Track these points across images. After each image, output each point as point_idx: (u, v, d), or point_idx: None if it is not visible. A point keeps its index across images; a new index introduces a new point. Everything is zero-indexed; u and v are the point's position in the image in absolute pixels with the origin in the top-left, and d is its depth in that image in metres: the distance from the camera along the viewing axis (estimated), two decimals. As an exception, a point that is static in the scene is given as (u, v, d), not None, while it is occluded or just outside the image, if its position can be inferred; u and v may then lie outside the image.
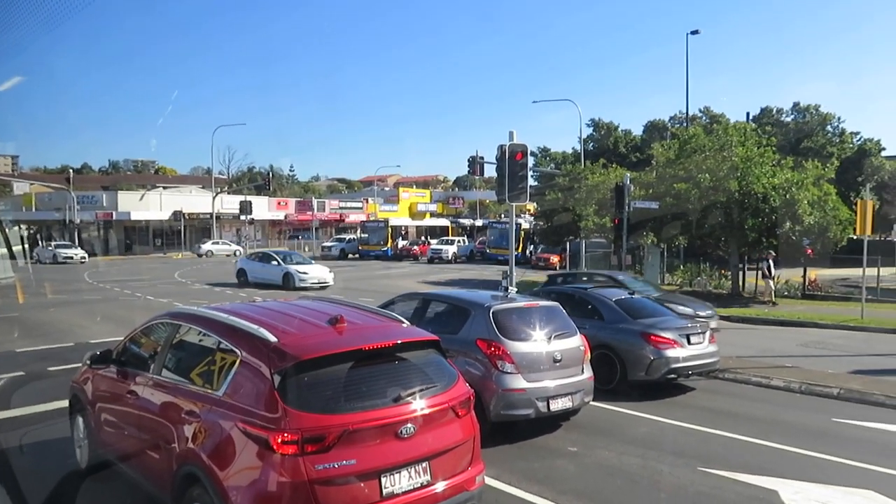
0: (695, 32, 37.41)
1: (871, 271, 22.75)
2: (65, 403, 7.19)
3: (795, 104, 63.33)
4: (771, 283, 24.36)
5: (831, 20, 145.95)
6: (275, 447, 4.20)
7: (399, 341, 5.10)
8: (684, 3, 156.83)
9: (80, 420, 6.61)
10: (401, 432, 4.58)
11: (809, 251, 25.31)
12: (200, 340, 5.40)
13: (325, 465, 4.24)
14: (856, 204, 20.89)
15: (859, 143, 60.47)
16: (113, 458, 5.86)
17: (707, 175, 23.62)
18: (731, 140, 25.48)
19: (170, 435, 4.92)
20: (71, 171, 63.11)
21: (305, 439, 4.23)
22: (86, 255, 47.71)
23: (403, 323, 5.64)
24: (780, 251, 25.05)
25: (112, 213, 56.44)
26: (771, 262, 24.29)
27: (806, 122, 61.42)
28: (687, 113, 42.52)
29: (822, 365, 12.77)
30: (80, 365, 6.95)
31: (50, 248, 48.04)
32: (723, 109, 67.77)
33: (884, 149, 59.17)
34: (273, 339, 4.69)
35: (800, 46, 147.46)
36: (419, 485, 4.65)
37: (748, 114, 45.44)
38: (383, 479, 4.47)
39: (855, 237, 23.00)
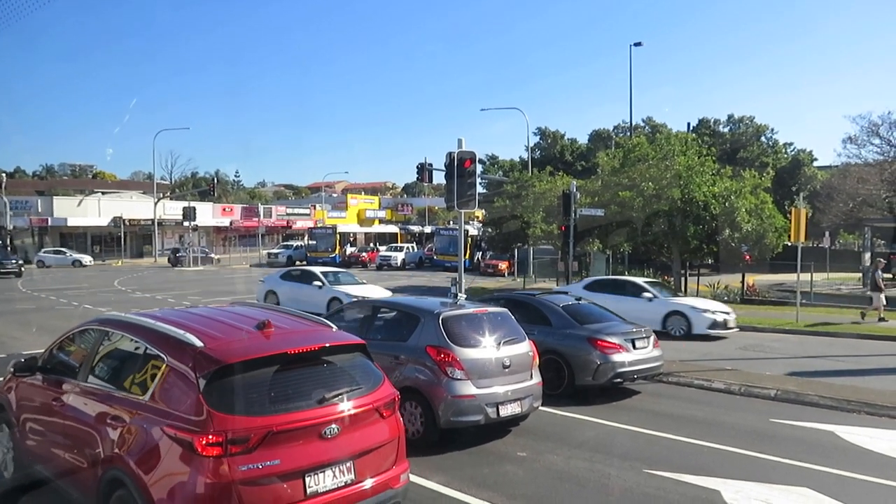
0: (638, 44, 38.42)
1: (805, 276, 23.73)
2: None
3: (730, 116, 65.76)
4: (882, 297, 20.10)
5: (766, 33, 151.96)
6: (199, 449, 4.26)
7: (325, 345, 5.21)
8: (629, 15, 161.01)
9: (4, 430, 6.47)
10: (325, 433, 4.69)
11: (747, 257, 26.18)
12: (127, 346, 5.40)
13: (248, 466, 4.34)
14: (790, 212, 21.69)
15: (793, 153, 63.19)
16: (38, 467, 5.74)
17: (650, 183, 24.20)
18: (674, 149, 26.18)
19: (95, 441, 4.92)
20: (3, 174, 60.23)
21: (229, 441, 4.31)
22: None
23: (332, 327, 5.75)
24: (721, 257, 25.72)
25: (47, 219, 54.31)
26: (881, 271, 21.01)
27: (742, 133, 63.77)
28: (631, 122, 43.59)
29: (760, 367, 13.20)
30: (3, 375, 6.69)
31: None
32: (665, 119, 69.98)
33: (815, 159, 62.00)
34: (199, 343, 4.75)
35: (737, 59, 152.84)
36: (343, 483, 4.76)
37: (689, 124, 46.95)
38: (307, 479, 4.58)
39: (790, 244, 23.89)
